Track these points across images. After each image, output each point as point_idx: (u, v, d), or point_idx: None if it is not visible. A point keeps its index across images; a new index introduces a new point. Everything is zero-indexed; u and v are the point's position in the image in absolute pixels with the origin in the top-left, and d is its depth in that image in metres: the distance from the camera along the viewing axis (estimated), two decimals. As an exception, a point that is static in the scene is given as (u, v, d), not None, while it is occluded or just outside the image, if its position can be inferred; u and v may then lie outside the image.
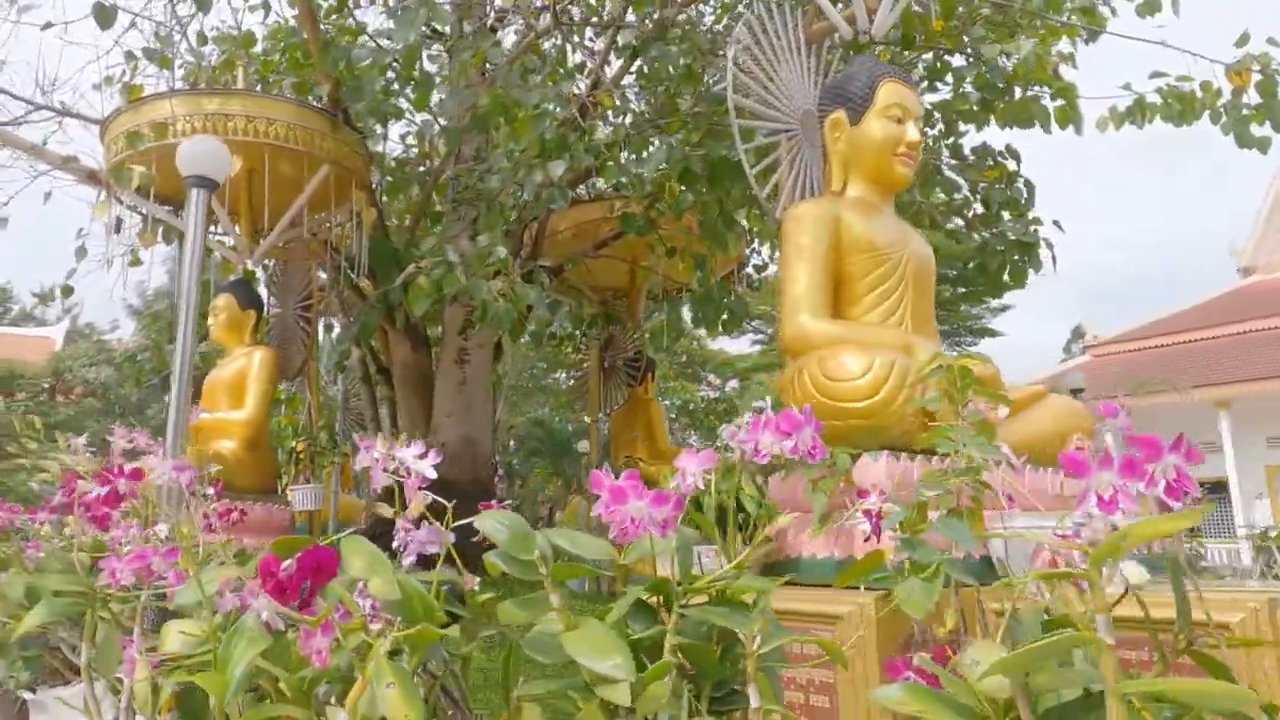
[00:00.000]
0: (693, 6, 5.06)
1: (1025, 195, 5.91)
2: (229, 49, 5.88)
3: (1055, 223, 5.35)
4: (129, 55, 5.56)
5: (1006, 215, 5.88)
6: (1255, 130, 5.08)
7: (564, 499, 9.00)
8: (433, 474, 1.34)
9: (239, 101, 5.08)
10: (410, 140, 6.80)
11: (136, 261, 6.69)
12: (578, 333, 7.39)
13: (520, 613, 1.12)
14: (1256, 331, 22.65)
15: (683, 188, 4.81)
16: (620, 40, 5.50)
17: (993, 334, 20.23)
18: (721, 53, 5.00)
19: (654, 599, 1.16)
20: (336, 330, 6.80)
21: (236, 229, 6.06)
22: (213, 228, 6.12)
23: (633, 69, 5.42)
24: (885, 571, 1.44)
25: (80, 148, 6.44)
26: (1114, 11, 5.25)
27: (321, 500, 4.99)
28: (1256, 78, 4.93)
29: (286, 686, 1.27)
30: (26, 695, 2.33)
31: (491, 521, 1.12)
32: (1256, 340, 21.85)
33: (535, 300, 4.86)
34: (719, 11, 5.25)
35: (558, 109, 4.87)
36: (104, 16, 4.14)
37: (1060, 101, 5.82)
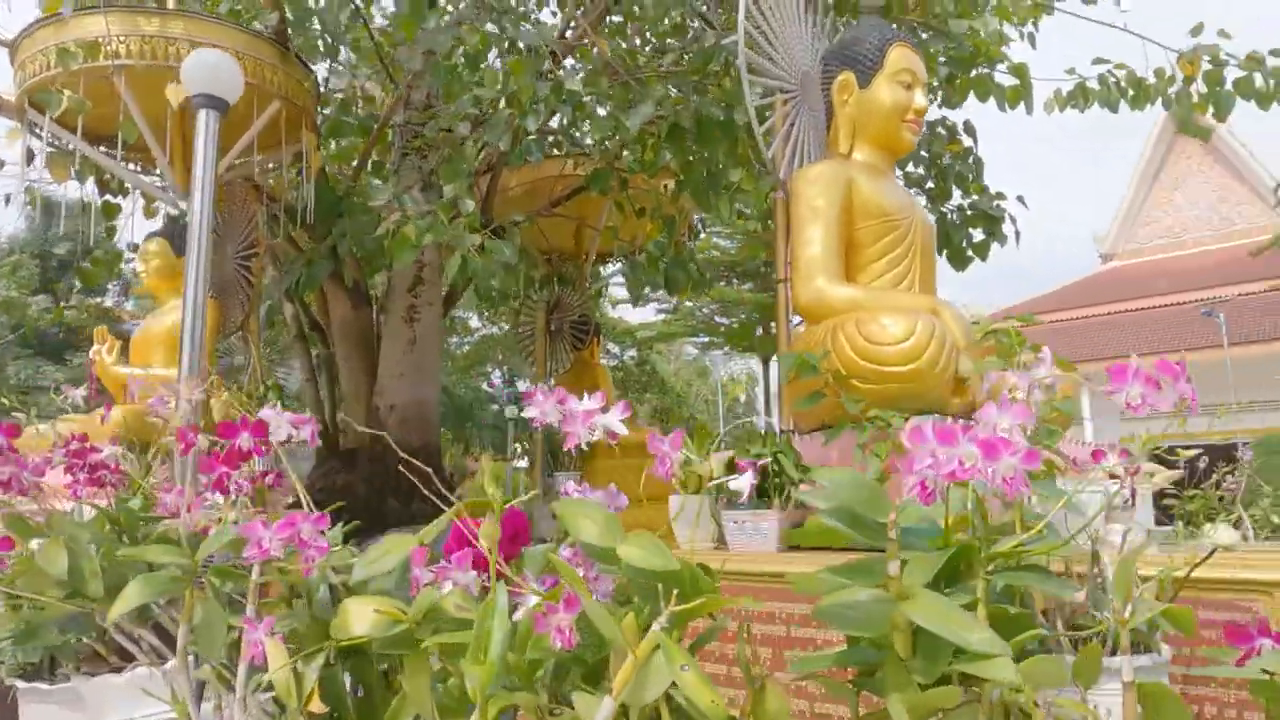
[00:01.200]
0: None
1: (975, 171, 6.08)
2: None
3: (1019, 198, 5.51)
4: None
5: (956, 191, 6.03)
6: (1201, 120, 5.38)
7: (463, 466, 8.80)
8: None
9: (181, 23, 4.58)
10: (359, 80, 6.35)
11: (35, 197, 6.04)
12: (525, 294, 7.16)
13: (828, 581, 1.00)
14: (1116, 314, 24.43)
15: (665, 145, 4.67)
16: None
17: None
18: (704, 6, 4.87)
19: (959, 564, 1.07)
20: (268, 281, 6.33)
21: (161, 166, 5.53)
22: (134, 166, 5.57)
23: (609, 18, 5.20)
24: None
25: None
26: None
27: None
28: (1206, 68, 5.20)
29: (516, 671, 1.13)
30: (18, 684, 2.04)
31: (834, 478, 1.00)
32: (1115, 322, 23.56)
33: (509, 256, 4.65)
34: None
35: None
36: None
37: (1014, 80, 5.99)
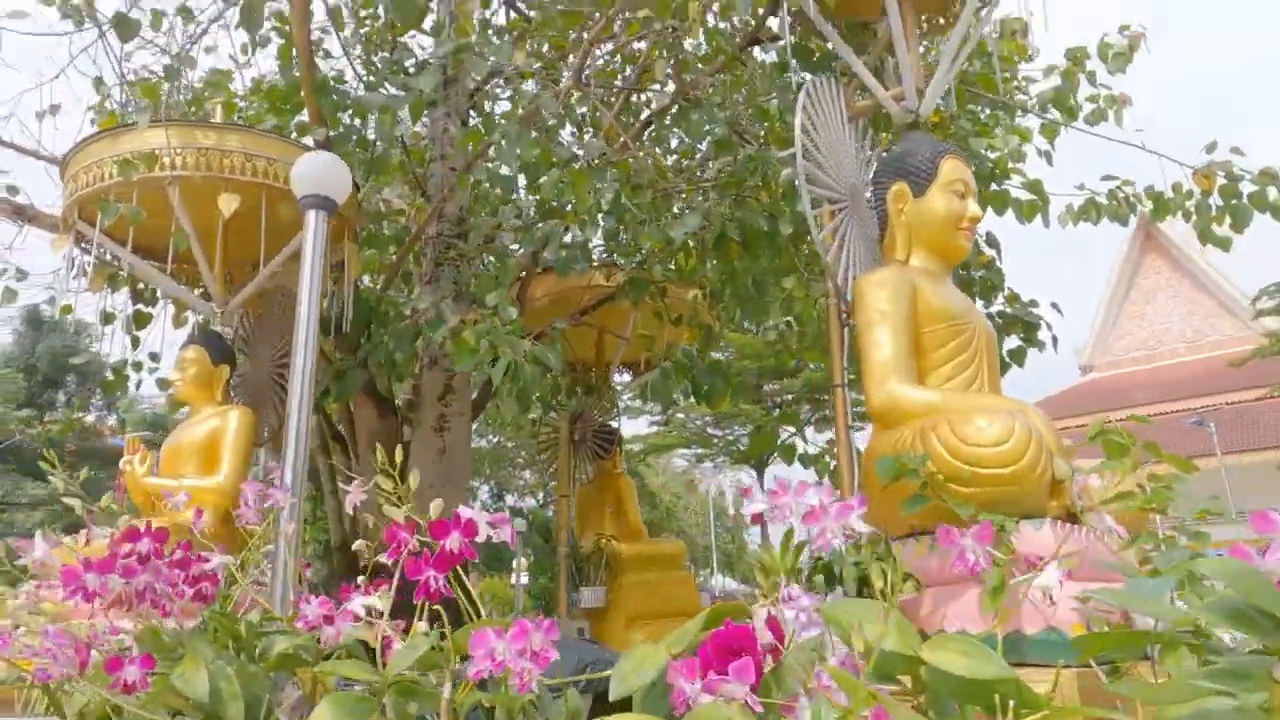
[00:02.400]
0: (718, 76, 5.10)
1: (998, 280, 6.22)
2: (206, 89, 5.44)
3: (1054, 305, 5.61)
4: (99, 81, 5.02)
5: (979, 300, 6.15)
6: (1217, 230, 5.57)
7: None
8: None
9: (236, 137, 4.66)
10: (392, 194, 6.45)
11: (67, 309, 5.99)
12: (557, 402, 7.11)
13: (1191, 689, 0.92)
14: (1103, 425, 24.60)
15: (711, 255, 4.74)
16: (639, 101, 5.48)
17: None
18: (744, 123, 5.03)
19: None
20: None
21: (186, 278, 5.52)
22: (171, 275, 5.54)
23: (648, 134, 5.37)
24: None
25: None
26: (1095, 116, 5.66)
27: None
28: (1221, 182, 5.42)
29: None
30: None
31: (1223, 568, 0.93)
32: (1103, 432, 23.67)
33: (554, 363, 4.62)
34: (731, 83, 5.30)
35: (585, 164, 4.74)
36: (125, 27, 3.72)
37: (1031, 195, 6.20)
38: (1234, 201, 5.44)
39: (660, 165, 5.00)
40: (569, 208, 4.36)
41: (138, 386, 6.33)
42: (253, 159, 4.63)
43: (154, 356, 6.34)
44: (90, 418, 25.54)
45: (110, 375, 6.02)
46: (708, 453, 22.35)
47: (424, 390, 5.96)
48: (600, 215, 4.42)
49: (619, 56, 5.58)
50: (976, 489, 2.87)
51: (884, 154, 4.36)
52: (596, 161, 4.02)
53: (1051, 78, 5.48)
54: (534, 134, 4.58)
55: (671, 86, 5.48)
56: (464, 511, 1.42)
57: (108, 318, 6.07)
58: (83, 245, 4.85)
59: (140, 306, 5.69)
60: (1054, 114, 5.86)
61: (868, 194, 4.58)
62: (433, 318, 5.31)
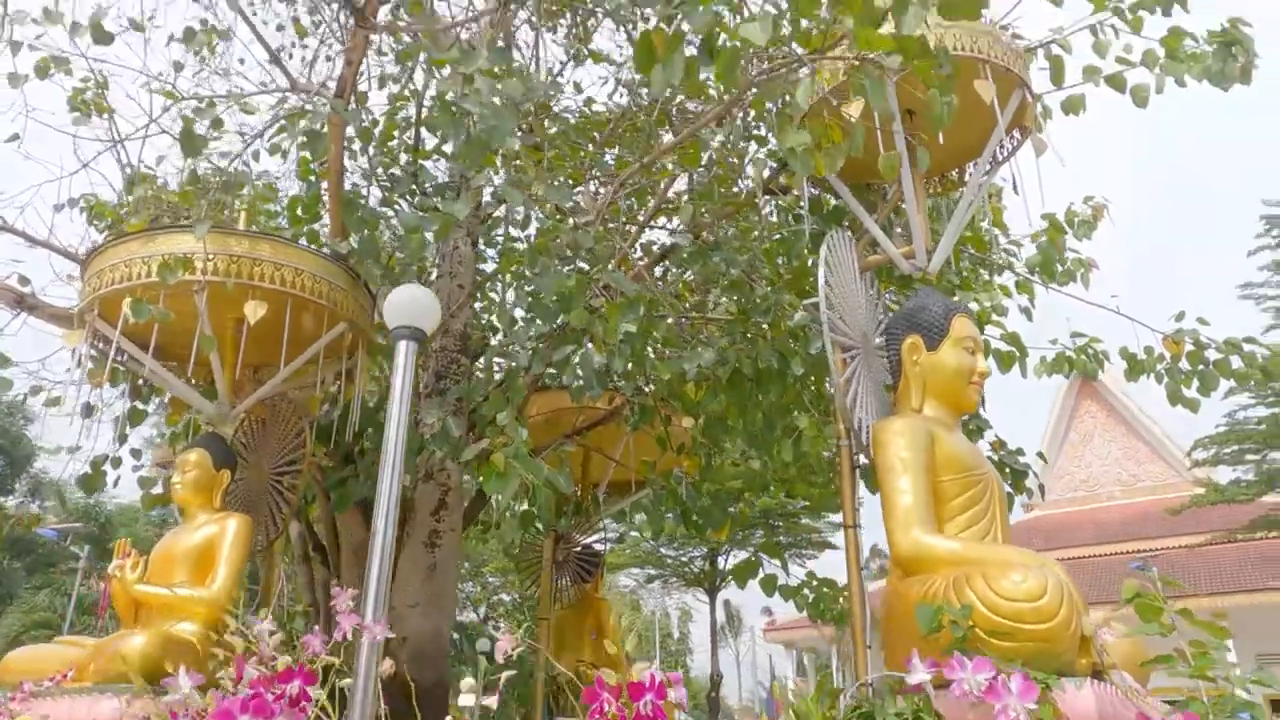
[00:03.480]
0: (730, 220, 5.39)
1: (980, 428, 6.48)
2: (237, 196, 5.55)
3: (1039, 454, 5.86)
4: (130, 181, 5.08)
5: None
6: (1186, 392, 5.94)
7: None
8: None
9: (268, 246, 4.74)
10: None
11: (55, 402, 5.86)
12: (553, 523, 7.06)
13: None
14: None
15: (725, 390, 4.90)
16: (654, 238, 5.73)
17: (834, 548, 21.12)
18: (754, 264, 5.29)
19: None
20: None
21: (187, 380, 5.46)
22: (175, 375, 5.49)
23: (661, 270, 5.60)
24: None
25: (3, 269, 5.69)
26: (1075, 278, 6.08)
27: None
28: (1189, 348, 5.83)
29: None
30: None
31: None
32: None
33: (565, 486, 4.66)
34: (742, 226, 5.60)
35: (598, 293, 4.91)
36: (191, 144, 3.83)
37: (1009, 347, 6.56)
38: (1200, 368, 5.84)
39: (677, 300, 5.20)
40: (591, 336, 4.49)
41: (115, 484, 6.13)
42: (281, 268, 4.71)
43: (136, 454, 6.19)
44: (12, 503, 24.20)
45: (89, 469, 5.82)
46: (659, 573, 22.03)
47: (417, 503, 5.89)
48: (618, 346, 4.56)
49: (639, 195, 5.87)
50: (1013, 643, 2.96)
51: (898, 306, 4.61)
52: (631, 295, 4.18)
53: (1037, 242, 5.90)
54: (562, 263, 4.77)
55: (675, 221, 5.79)
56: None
57: (90, 410, 5.94)
58: (96, 344, 4.80)
59: (137, 403, 5.59)
60: (1034, 273, 6.28)
61: (878, 341, 4.83)
62: (437, 432, 5.33)
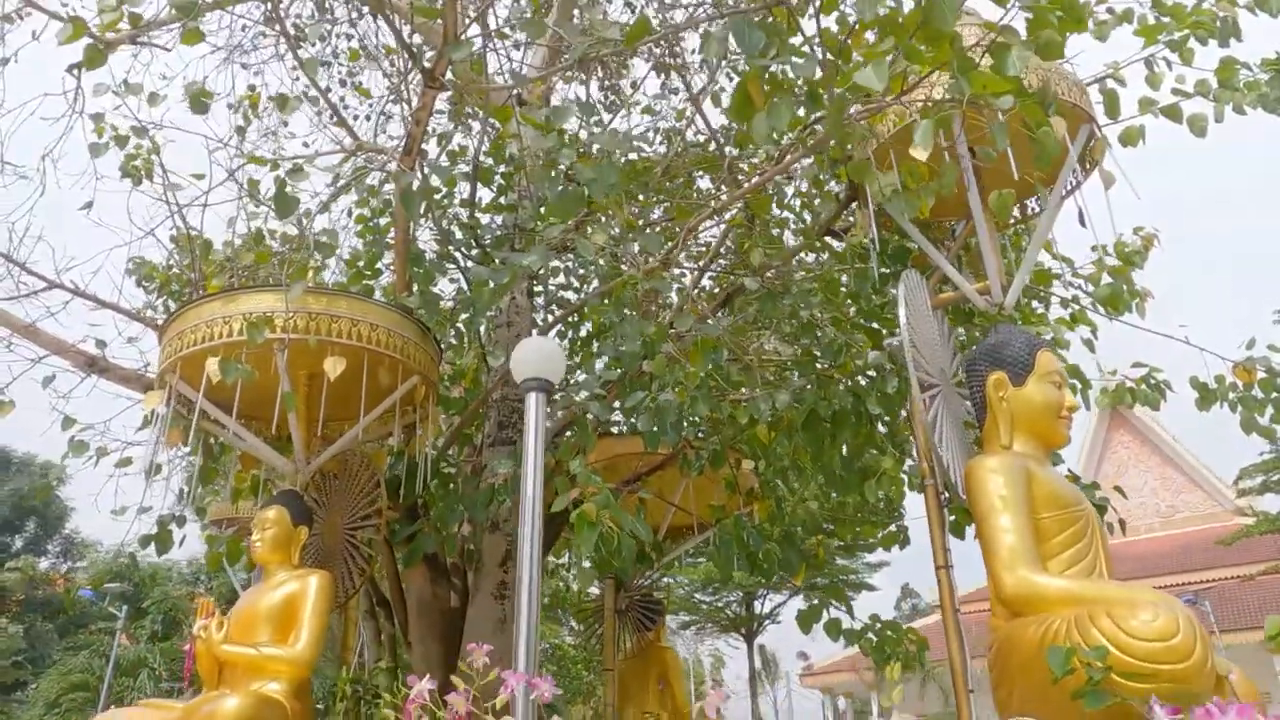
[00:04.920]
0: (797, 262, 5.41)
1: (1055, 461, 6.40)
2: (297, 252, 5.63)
3: (1116, 488, 5.77)
4: (206, 246, 5.17)
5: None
6: (1259, 420, 5.85)
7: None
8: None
9: (345, 303, 4.79)
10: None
11: (126, 462, 5.90)
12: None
13: None
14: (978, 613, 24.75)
15: (801, 433, 4.87)
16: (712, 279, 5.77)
17: (870, 589, 20.83)
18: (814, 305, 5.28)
19: None
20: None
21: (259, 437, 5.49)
22: (247, 432, 5.51)
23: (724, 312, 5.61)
24: None
25: (78, 331, 5.79)
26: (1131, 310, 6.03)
27: (372, 761, 4.23)
28: (1261, 375, 5.75)
29: None
30: None
31: None
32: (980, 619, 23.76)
33: (644, 534, 4.61)
34: (804, 268, 5.61)
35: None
36: (284, 205, 3.90)
37: (1071, 380, 6.51)
38: (1274, 394, 5.76)
39: (746, 346, 5.21)
40: (664, 383, 4.47)
41: (180, 544, 6.14)
42: (358, 324, 4.75)
43: (200, 512, 6.20)
44: (44, 564, 24.22)
45: (156, 529, 5.82)
46: (693, 619, 21.73)
47: (484, 555, 5.85)
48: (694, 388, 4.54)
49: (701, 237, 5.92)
50: (1149, 684, 2.88)
51: (981, 345, 4.58)
52: (713, 339, 4.18)
53: (1101, 275, 5.87)
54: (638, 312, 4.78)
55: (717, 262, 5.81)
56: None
57: (156, 469, 5.96)
58: (179, 406, 4.85)
59: (209, 462, 5.62)
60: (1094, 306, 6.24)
61: (955, 378, 4.80)
62: (503, 483, 5.31)
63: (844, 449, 5.01)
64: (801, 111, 3.20)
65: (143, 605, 17.81)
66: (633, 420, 5.48)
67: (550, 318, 6.82)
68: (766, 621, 20.54)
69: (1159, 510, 28.20)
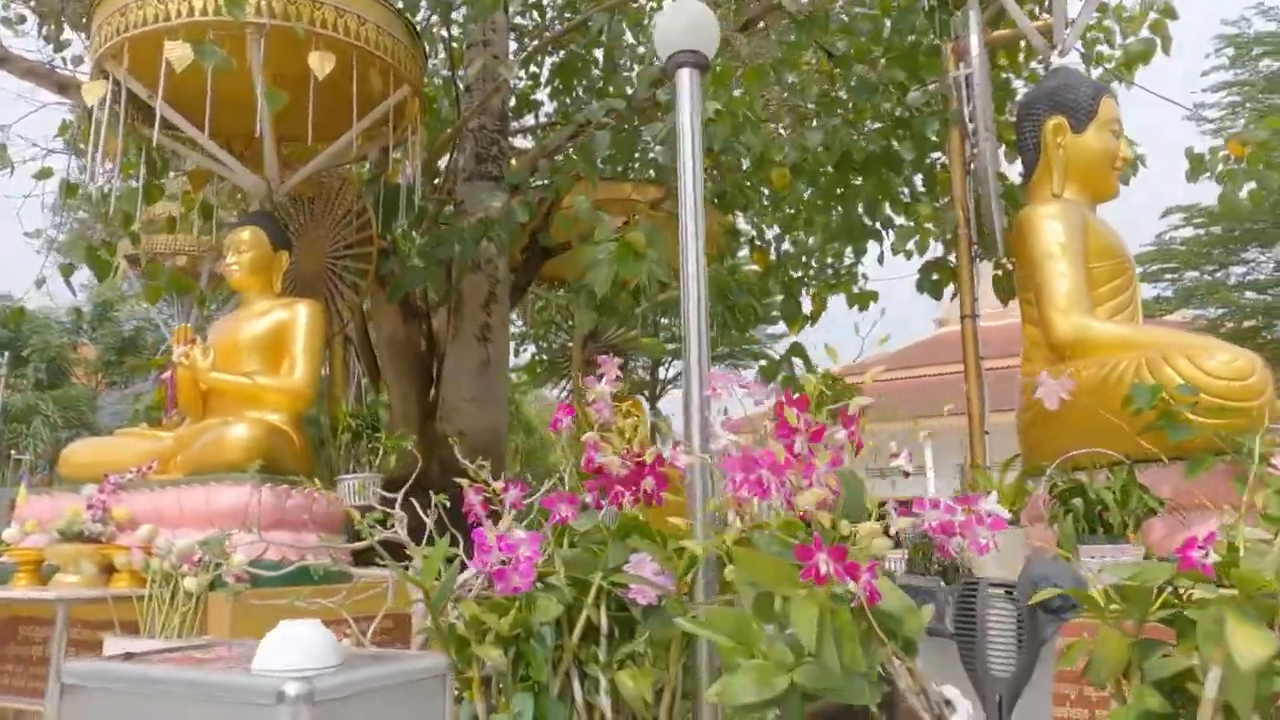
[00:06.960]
0: None
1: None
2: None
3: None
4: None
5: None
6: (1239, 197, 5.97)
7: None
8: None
9: (326, -11, 4.02)
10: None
11: (46, 173, 5.12)
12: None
13: None
14: (952, 374, 26.61)
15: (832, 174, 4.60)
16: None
17: (767, 357, 21.71)
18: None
19: None
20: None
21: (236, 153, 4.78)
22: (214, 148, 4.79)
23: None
24: None
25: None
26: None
27: (376, 495, 4.07)
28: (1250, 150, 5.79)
29: None
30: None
31: None
32: (949, 382, 25.61)
33: (663, 272, 4.38)
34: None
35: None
36: None
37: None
38: (1260, 167, 5.84)
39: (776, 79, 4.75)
40: (715, 111, 4.03)
41: (115, 272, 5.49)
42: (344, 15, 4.03)
43: (135, 238, 5.52)
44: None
45: (86, 255, 5.17)
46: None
47: (466, 295, 5.51)
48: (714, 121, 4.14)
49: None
50: (1221, 420, 2.96)
51: (1040, 87, 4.32)
52: (764, 62, 3.75)
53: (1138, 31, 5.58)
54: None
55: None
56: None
57: (71, 189, 5.21)
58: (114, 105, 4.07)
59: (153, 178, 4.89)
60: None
61: (1002, 122, 4.57)
62: (501, 216, 4.90)
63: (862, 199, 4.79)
64: None
65: (22, 354, 16.62)
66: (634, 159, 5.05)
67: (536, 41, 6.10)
68: (669, 385, 21.25)
69: (1034, 297, 29.98)
